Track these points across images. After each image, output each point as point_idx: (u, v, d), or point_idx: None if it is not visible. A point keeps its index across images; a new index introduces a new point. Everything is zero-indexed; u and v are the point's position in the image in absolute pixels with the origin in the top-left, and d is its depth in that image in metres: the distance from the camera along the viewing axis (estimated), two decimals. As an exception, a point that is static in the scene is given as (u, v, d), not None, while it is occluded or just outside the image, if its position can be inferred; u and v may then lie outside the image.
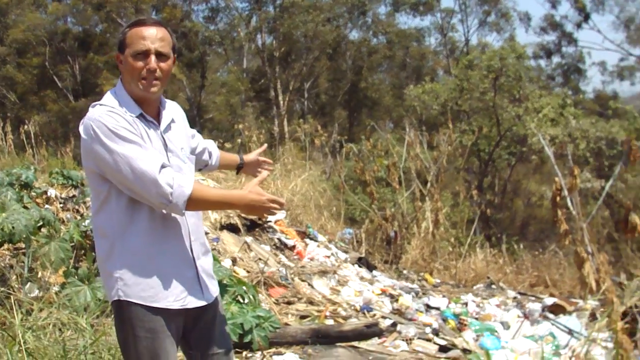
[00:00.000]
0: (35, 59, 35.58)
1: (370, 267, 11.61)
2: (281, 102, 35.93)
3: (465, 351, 7.32)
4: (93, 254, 6.83)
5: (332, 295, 8.92)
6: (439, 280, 12.68)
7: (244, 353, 6.15)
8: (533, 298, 10.96)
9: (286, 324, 7.19)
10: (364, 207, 16.24)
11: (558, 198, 6.97)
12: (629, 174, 22.07)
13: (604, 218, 19.13)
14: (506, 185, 27.91)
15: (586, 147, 20.12)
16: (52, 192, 8.87)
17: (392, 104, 38.32)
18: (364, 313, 8.50)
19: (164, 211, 3.01)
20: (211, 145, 3.74)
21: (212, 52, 40.18)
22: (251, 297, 6.75)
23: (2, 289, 5.88)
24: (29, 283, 6.46)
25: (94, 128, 2.90)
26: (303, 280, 9.13)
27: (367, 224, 14.94)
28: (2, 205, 6.50)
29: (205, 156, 3.68)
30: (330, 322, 7.74)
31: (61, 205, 8.74)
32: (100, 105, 3.01)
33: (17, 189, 7.94)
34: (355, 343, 6.88)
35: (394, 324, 7.98)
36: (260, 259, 9.30)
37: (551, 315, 9.33)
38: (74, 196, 9.11)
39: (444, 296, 10.54)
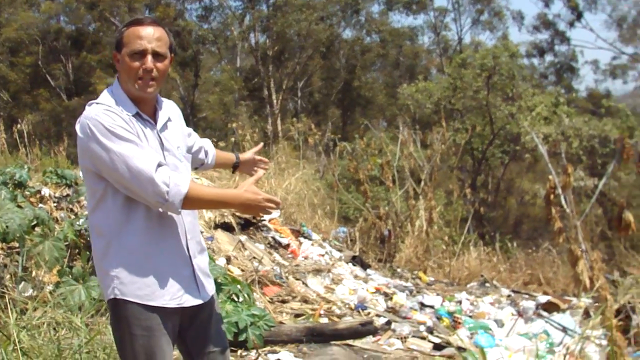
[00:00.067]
0: (28, 58, 35.50)
1: (365, 266, 11.62)
2: (274, 101, 35.91)
3: (460, 349, 7.34)
4: (87, 253, 6.84)
5: (326, 294, 8.94)
6: (432, 279, 12.71)
7: (239, 352, 6.15)
8: (527, 296, 10.99)
9: (281, 323, 7.20)
10: (358, 205, 16.25)
11: (552, 196, 7.00)
12: (622, 172, 22.15)
13: (597, 216, 19.18)
14: (499, 183, 27.95)
15: (579, 145, 20.15)
16: (45, 191, 8.84)
17: (386, 102, 38.29)
18: (358, 311, 8.52)
19: (160, 210, 3.01)
20: (207, 144, 3.73)
21: (206, 51, 40.13)
22: (246, 295, 6.75)
23: (-4, 288, 5.88)
24: (23, 282, 6.45)
25: (90, 126, 2.90)
26: (297, 279, 9.14)
27: (361, 223, 14.95)
28: (-4, 204, 6.49)
29: (202, 155, 3.68)
30: (324, 320, 7.76)
31: (55, 204, 8.71)
32: (97, 103, 3.00)
33: (10, 188, 7.92)
34: (350, 341, 6.89)
35: (389, 322, 8.01)
36: (254, 257, 9.31)
37: (545, 313, 9.36)
38: (67, 195, 9.09)
39: (438, 294, 10.56)
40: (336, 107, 41.00)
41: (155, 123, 3.13)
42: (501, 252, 15.99)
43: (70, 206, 8.74)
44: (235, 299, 6.61)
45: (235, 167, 3.90)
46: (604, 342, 7.16)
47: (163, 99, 3.26)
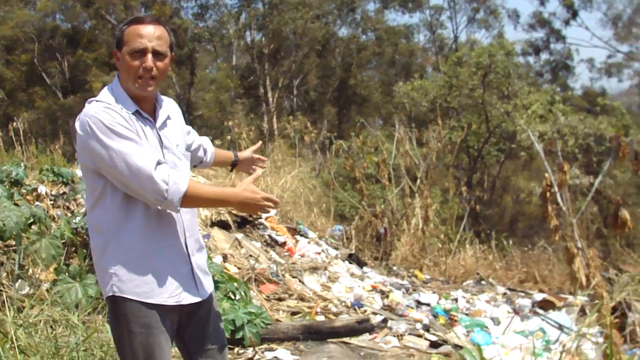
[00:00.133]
0: (23, 56, 35.46)
1: (361, 264, 11.64)
2: (270, 99, 35.92)
3: (456, 347, 7.35)
4: (84, 251, 6.84)
5: (322, 292, 8.95)
6: (428, 277, 12.72)
7: (236, 349, 6.16)
8: (523, 294, 11.01)
9: (277, 321, 7.21)
10: (354, 203, 16.26)
11: (548, 194, 7.00)
12: (618, 170, 22.19)
13: (592, 214, 19.22)
14: (495, 181, 27.98)
15: (575, 143, 20.18)
16: (42, 189, 8.83)
17: (381, 100, 38.31)
18: (354, 309, 8.53)
19: (159, 208, 3.01)
20: (206, 142, 3.74)
21: (202, 49, 40.12)
22: (242, 293, 6.77)
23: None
24: (19, 280, 6.44)
25: (90, 124, 2.90)
26: (294, 277, 9.15)
27: (357, 221, 14.97)
28: (-7, 202, 6.49)
29: (200, 153, 3.68)
30: (321, 318, 7.76)
31: (51, 202, 8.71)
32: (97, 101, 3.01)
33: (7, 186, 7.91)
34: (346, 339, 6.90)
35: (385, 320, 8.01)
36: (251, 255, 9.31)
37: (541, 311, 9.38)
38: (64, 193, 9.08)
39: (434, 292, 10.57)
40: (332, 105, 41.02)
41: (155, 121, 3.13)
42: (497, 250, 16.01)
43: (67, 204, 8.74)
44: (232, 297, 6.63)
45: (234, 165, 3.91)
46: (600, 340, 7.17)
47: (163, 97, 3.27)
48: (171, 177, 2.90)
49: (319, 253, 10.78)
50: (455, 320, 8.98)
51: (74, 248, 7.08)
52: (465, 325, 8.65)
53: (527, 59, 42.59)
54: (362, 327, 7.01)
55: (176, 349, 3.41)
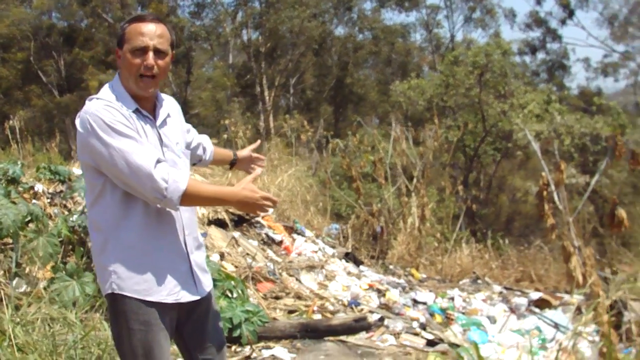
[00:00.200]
0: (19, 54, 35.39)
1: (358, 262, 11.65)
2: (267, 98, 35.88)
3: (453, 345, 7.37)
4: (81, 249, 6.84)
5: (319, 290, 8.96)
6: (425, 276, 12.73)
7: (233, 347, 6.19)
8: (519, 293, 11.02)
9: (274, 319, 7.22)
10: (351, 202, 16.27)
11: (545, 193, 7.03)
12: (614, 170, 22.23)
13: (589, 213, 19.24)
14: (491, 180, 28.00)
15: (571, 142, 20.19)
16: (39, 187, 8.82)
17: (378, 99, 38.31)
18: (351, 308, 8.54)
19: (158, 206, 3.02)
20: (206, 140, 3.75)
21: (198, 48, 40.05)
22: (240, 291, 6.78)
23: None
24: (16, 278, 6.45)
25: (90, 122, 2.91)
26: (291, 275, 9.16)
27: (354, 220, 14.97)
28: (-10, 200, 6.48)
29: (200, 151, 3.69)
30: (318, 316, 7.78)
31: (48, 200, 8.70)
32: (97, 99, 3.02)
33: (4, 184, 7.91)
34: (343, 337, 6.92)
35: (382, 319, 8.03)
36: (248, 254, 9.32)
37: (537, 310, 9.41)
38: (61, 191, 9.07)
39: (430, 291, 10.59)
40: (328, 104, 40.98)
41: (155, 119, 3.15)
42: (493, 249, 16.02)
43: (64, 202, 8.73)
44: (230, 295, 6.64)
45: (233, 164, 3.92)
46: (596, 339, 7.20)
47: (163, 95, 3.28)
48: (171, 175, 2.91)
49: (316, 252, 10.79)
50: (452, 319, 9.00)
51: (71, 246, 7.08)
52: (462, 323, 8.66)
53: (523, 58, 42.65)
54: (359, 325, 7.03)
55: (175, 346, 3.41)
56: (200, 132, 3.73)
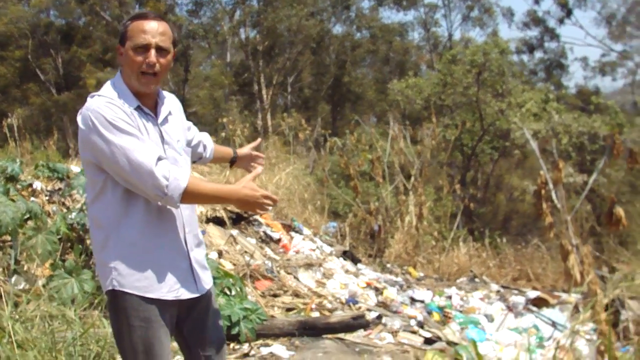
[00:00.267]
0: (17, 52, 35.35)
1: (355, 261, 11.66)
2: (265, 96, 35.87)
3: (451, 343, 7.39)
4: (80, 246, 6.86)
5: (317, 288, 8.97)
6: (422, 274, 12.74)
7: (232, 345, 6.20)
8: (516, 291, 11.04)
9: (272, 317, 7.23)
10: (348, 201, 16.29)
11: (543, 191, 7.04)
12: (611, 169, 22.25)
13: (586, 212, 19.26)
14: (489, 179, 28.00)
15: (568, 141, 20.21)
16: (37, 185, 8.83)
17: (375, 98, 38.31)
18: (349, 306, 8.55)
19: (159, 203, 3.03)
20: (206, 138, 3.76)
21: (196, 46, 40.00)
22: (238, 289, 6.79)
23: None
24: (15, 275, 6.46)
25: (92, 119, 2.92)
26: (289, 273, 9.17)
27: (351, 218, 14.99)
28: (-11, 197, 6.49)
29: (200, 149, 3.70)
30: (316, 314, 7.80)
31: (47, 198, 8.72)
32: (99, 96, 3.03)
33: (2, 182, 7.92)
34: (341, 335, 6.93)
35: (380, 317, 8.04)
36: (246, 251, 9.33)
37: (534, 308, 9.42)
38: (59, 189, 9.08)
39: (428, 289, 10.60)
40: (326, 102, 40.96)
41: (157, 117, 3.16)
42: (490, 247, 16.04)
43: (62, 200, 8.74)
44: (228, 293, 6.65)
45: (233, 162, 3.93)
46: (594, 337, 7.21)
47: (164, 92, 3.29)
48: (172, 173, 2.92)
49: (314, 250, 10.81)
50: (450, 317, 9.02)
51: (69, 244, 7.10)
52: (460, 322, 8.68)
53: (521, 57, 42.66)
54: (357, 323, 7.04)
55: (175, 343, 3.43)
56: (198, 131, 3.74)
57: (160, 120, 3.16)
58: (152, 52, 3.03)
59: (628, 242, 17.28)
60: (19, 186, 8.39)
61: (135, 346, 3.05)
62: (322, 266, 9.95)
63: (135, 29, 3.05)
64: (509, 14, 42.86)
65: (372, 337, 7.34)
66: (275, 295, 8.25)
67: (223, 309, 6.08)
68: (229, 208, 10.28)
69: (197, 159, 3.71)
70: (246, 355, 6.16)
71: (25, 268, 6.69)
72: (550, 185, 7.32)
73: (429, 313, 9.11)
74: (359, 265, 11.42)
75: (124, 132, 2.91)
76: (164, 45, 3.06)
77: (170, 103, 3.30)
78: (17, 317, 5.04)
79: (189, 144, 3.46)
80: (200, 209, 9.77)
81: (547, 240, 14.36)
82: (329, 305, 8.28)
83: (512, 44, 34.51)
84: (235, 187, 3.09)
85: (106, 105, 2.94)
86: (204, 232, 9.22)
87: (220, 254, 8.79)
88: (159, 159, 2.93)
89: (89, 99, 3.04)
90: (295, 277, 9.12)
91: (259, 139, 4.21)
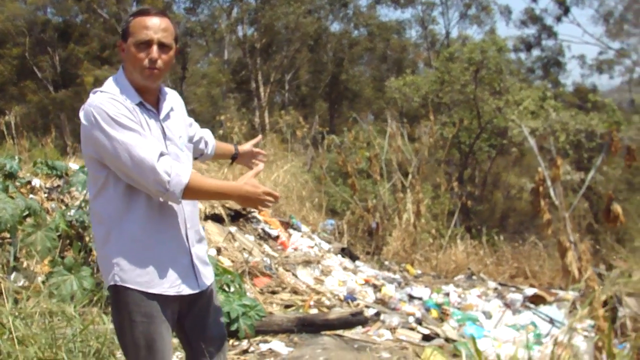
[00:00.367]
0: (14, 50, 35.31)
1: (354, 258, 11.68)
2: (262, 94, 35.86)
3: (449, 340, 7.42)
4: (79, 243, 6.87)
5: (316, 285, 8.99)
6: (420, 271, 12.76)
7: (231, 341, 6.21)
8: (513, 289, 11.06)
9: (271, 314, 7.25)
10: (346, 198, 16.31)
11: (541, 188, 7.07)
12: (609, 167, 22.27)
13: (583, 210, 19.27)
14: (486, 177, 28.02)
15: (566, 139, 20.20)
16: (36, 182, 8.84)
17: (373, 96, 38.34)
18: (347, 302, 8.58)
19: (160, 199, 3.05)
20: (208, 134, 3.76)
21: (193, 44, 40.00)
22: (237, 286, 6.81)
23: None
24: (14, 272, 6.47)
25: (94, 114, 2.93)
26: (287, 270, 9.19)
27: (349, 216, 15.01)
28: (-12, 194, 6.50)
29: (202, 145, 3.70)
30: (314, 311, 7.81)
31: (46, 195, 8.73)
32: (101, 92, 3.03)
33: (1, 179, 7.92)
34: (340, 331, 6.94)
35: (378, 314, 8.06)
36: (244, 249, 9.34)
37: (532, 306, 9.45)
38: (58, 186, 9.09)
39: (426, 286, 10.62)
40: (323, 100, 40.96)
41: (159, 113, 3.17)
42: (488, 245, 16.04)
43: (61, 197, 8.75)
44: (227, 290, 6.67)
45: (234, 158, 3.94)
46: (592, 334, 7.24)
47: (166, 89, 3.30)
48: (173, 168, 2.93)
49: (312, 247, 10.82)
50: (447, 314, 9.04)
51: (68, 240, 7.10)
52: (458, 319, 8.71)
53: (518, 55, 42.76)
54: (356, 319, 7.05)
55: (176, 339, 3.44)
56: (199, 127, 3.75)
57: (162, 116, 3.17)
58: (154, 48, 3.03)
59: (625, 239, 17.28)
60: (17, 183, 8.40)
61: (137, 341, 3.06)
62: (320, 263, 9.97)
63: (137, 25, 3.05)
64: (507, 11, 43.06)
65: (371, 334, 7.36)
66: (273, 292, 8.27)
67: (222, 305, 6.08)
68: (227, 205, 10.30)
69: (198, 155, 3.71)
70: (245, 351, 6.18)
71: (25, 265, 6.70)
72: (548, 182, 7.34)
73: (427, 310, 9.14)
74: (357, 263, 11.44)
75: (126, 128, 2.92)
76: (166, 41, 3.07)
77: (172, 99, 3.31)
78: (17, 313, 5.05)
79: (190, 140, 3.46)
80: (198, 205, 9.78)
81: (544, 238, 14.36)
82: (327, 302, 8.30)
83: (509, 41, 34.67)
84: (237, 183, 3.10)
85: (108, 101, 2.95)
86: (202, 229, 9.22)
87: (218, 251, 8.81)
88: (161, 154, 2.94)
89: (91, 94, 3.05)
90: (293, 274, 9.14)
91: (260, 136, 4.23)
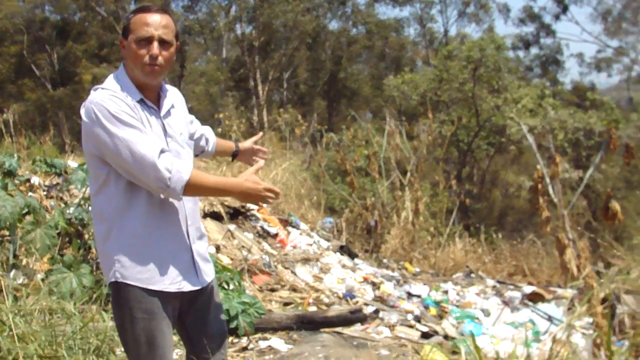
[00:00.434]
0: (13, 47, 35.31)
1: (352, 255, 11.68)
2: (260, 92, 35.87)
3: (448, 337, 7.43)
4: (78, 241, 6.87)
5: (315, 283, 8.99)
6: (418, 269, 12.77)
7: (230, 338, 6.21)
8: (512, 286, 11.07)
9: (270, 311, 7.25)
10: (345, 196, 16.31)
11: (539, 186, 7.08)
12: (607, 165, 22.30)
13: (582, 208, 19.29)
14: (485, 175, 28.04)
15: (564, 137, 20.22)
16: (35, 180, 8.84)
17: (371, 94, 38.36)
18: (346, 300, 8.58)
19: (161, 196, 3.05)
20: (208, 131, 3.77)
21: (191, 42, 39.99)
22: (236, 283, 6.82)
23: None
24: (14, 270, 6.47)
25: (95, 111, 2.94)
26: (286, 268, 9.19)
27: (347, 214, 15.01)
28: (-13, 192, 6.50)
29: (203, 142, 3.71)
30: (313, 308, 7.81)
31: (45, 192, 8.73)
32: (102, 89, 3.04)
33: (0, 177, 7.92)
34: (339, 329, 6.95)
35: (377, 311, 8.08)
36: (243, 246, 9.35)
37: (530, 303, 9.46)
38: (57, 184, 9.10)
39: (424, 284, 10.63)
40: (322, 98, 40.99)
41: (159, 110, 3.17)
42: (486, 243, 16.05)
43: (60, 195, 8.75)
44: (226, 287, 6.68)
45: (235, 155, 3.94)
46: (590, 332, 7.25)
47: (167, 86, 3.31)
48: (174, 165, 2.94)
49: (311, 245, 10.82)
50: (446, 312, 9.05)
51: (68, 238, 7.10)
52: (456, 316, 8.72)
53: (517, 53, 42.77)
54: (355, 317, 7.07)
55: (177, 335, 3.45)
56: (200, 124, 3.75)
57: (163, 113, 3.17)
58: (155, 44, 3.03)
59: (623, 237, 17.30)
60: (16, 181, 8.39)
61: (138, 338, 3.07)
62: (319, 261, 9.97)
63: (138, 21, 3.06)
64: (505, 10, 43.12)
65: (370, 331, 7.37)
66: (272, 290, 8.28)
67: (221, 302, 6.11)
68: (226, 203, 10.30)
69: (199, 152, 3.72)
70: (245, 348, 6.19)
71: (24, 262, 6.70)
72: (547, 180, 7.36)
73: (426, 307, 9.15)
74: (356, 260, 11.44)
75: (127, 125, 2.93)
76: (166, 38, 3.07)
77: (173, 96, 3.32)
78: (17, 310, 5.05)
79: (191, 137, 3.48)
80: (199, 203, 9.77)
81: (543, 236, 14.39)
82: (326, 300, 8.30)
83: (508, 40, 34.61)
84: (238, 179, 3.11)
85: (109, 98, 2.96)
86: (201, 227, 9.22)
87: (217, 248, 8.81)
88: (162, 151, 2.94)
89: (92, 91, 3.05)
90: (292, 272, 9.14)
91: (261, 133, 4.23)
